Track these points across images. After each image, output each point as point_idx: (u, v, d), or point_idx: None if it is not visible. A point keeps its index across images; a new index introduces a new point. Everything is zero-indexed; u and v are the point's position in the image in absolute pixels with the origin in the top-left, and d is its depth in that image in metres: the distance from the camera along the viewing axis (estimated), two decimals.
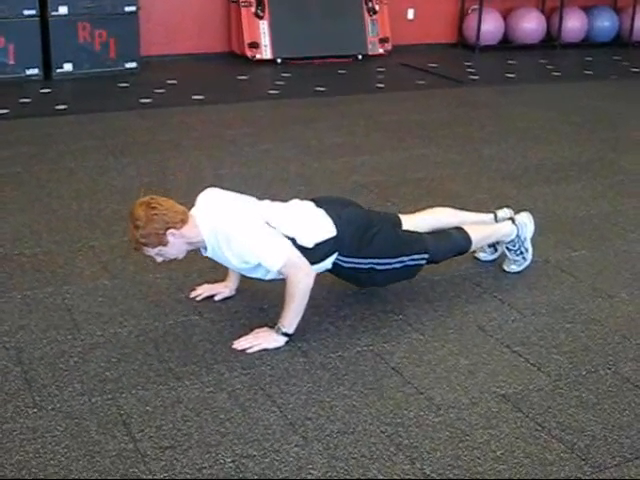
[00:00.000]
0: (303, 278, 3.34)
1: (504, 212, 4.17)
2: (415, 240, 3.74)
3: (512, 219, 4.07)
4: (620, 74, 9.79)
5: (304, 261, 3.37)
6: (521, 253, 4.06)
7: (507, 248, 4.07)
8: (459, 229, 3.91)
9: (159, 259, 3.45)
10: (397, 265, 3.65)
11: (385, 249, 3.63)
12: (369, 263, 3.59)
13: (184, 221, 3.35)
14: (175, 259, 3.51)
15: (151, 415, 2.90)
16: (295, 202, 3.68)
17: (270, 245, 3.32)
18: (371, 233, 3.61)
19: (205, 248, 3.45)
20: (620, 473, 2.67)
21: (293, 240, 3.41)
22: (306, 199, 3.71)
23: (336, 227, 3.52)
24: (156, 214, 3.29)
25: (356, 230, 3.58)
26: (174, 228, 3.32)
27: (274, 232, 3.38)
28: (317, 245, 3.46)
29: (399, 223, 3.85)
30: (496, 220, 4.13)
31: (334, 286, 3.90)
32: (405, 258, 3.67)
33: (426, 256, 3.73)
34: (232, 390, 3.06)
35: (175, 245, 3.37)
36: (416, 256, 3.70)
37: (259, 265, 3.38)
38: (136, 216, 3.30)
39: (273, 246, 3.32)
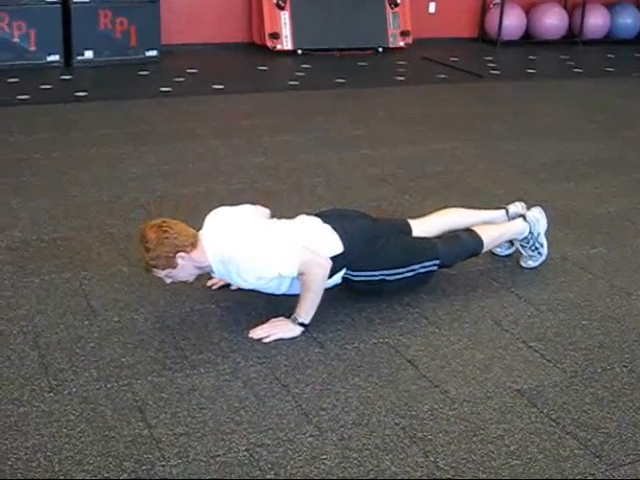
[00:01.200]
0: (319, 271, 3.35)
1: (516, 207, 4.15)
2: (425, 247, 3.74)
3: (523, 216, 4.06)
4: None
5: (316, 254, 3.37)
6: (536, 249, 4.05)
7: (521, 245, 4.06)
8: (470, 231, 3.90)
9: (168, 280, 3.46)
10: (408, 274, 3.65)
11: (394, 259, 3.62)
12: (380, 275, 3.60)
13: (194, 245, 3.36)
14: (185, 282, 3.52)
15: (166, 402, 2.91)
16: (302, 218, 3.66)
17: (281, 255, 3.32)
18: (379, 245, 3.61)
19: (213, 272, 3.47)
20: (634, 471, 2.67)
21: None
22: (318, 208, 3.69)
23: (343, 243, 3.52)
24: (167, 237, 3.31)
25: (364, 243, 3.57)
26: (184, 252, 3.33)
27: (278, 239, 3.39)
28: None
29: (408, 230, 3.85)
30: (508, 215, 4.11)
31: None
32: (416, 266, 3.66)
33: (437, 262, 3.72)
34: (247, 379, 3.07)
35: (184, 268, 3.38)
36: (427, 263, 3.69)
37: (271, 279, 3.38)
38: (147, 238, 3.32)
39: (284, 255, 3.32)
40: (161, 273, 3.39)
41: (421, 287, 3.81)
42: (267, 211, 3.74)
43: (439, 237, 3.85)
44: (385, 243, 3.63)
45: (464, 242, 3.86)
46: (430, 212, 4.08)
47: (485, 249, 3.93)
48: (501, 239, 4.04)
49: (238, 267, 3.32)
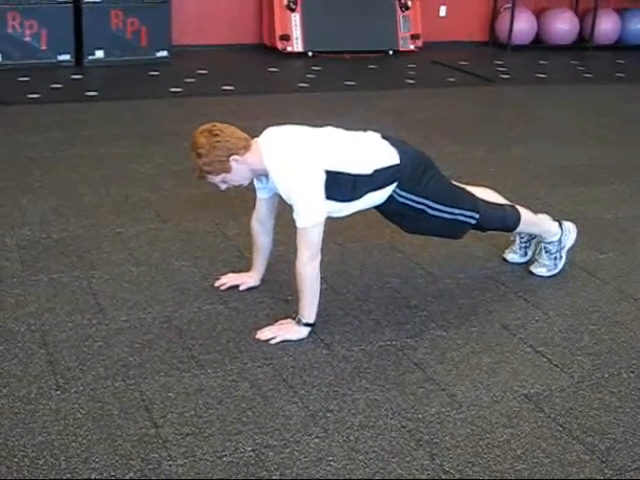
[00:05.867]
0: (308, 261, 3.30)
1: (544, 216, 4.12)
2: (469, 197, 3.73)
3: (559, 222, 4.05)
4: None
5: (318, 242, 3.33)
6: (555, 259, 4.03)
7: (545, 248, 4.03)
8: (511, 206, 3.89)
9: (223, 186, 3.45)
10: (447, 216, 3.62)
11: (441, 193, 3.61)
12: (422, 204, 3.56)
13: (247, 147, 3.35)
14: (240, 186, 3.51)
15: (173, 401, 2.91)
16: (359, 132, 3.65)
17: (311, 206, 3.29)
18: (431, 173, 3.60)
19: (267, 177, 3.43)
20: None
21: (353, 175, 3.39)
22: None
23: (399, 158, 3.50)
24: (219, 141, 3.29)
25: (418, 165, 3.56)
26: (237, 155, 3.32)
27: (322, 197, 3.33)
28: (377, 171, 3.43)
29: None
30: None
31: (359, 279, 3.91)
32: (457, 211, 3.64)
33: (476, 216, 3.70)
34: (254, 380, 3.07)
35: (238, 172, 3.37)
36: (467, 213, 3.67)
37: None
38: (199, 144, 3.30)
39: (313, 209, 3.29)
40: (216, 179, 3.39)
41: (430, 280, 3.82)
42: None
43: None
44: (435, 174, 3.63)
45: (504, 211, 3.85)
46: None
47: (519, 229, 3.93)
48: (534, 227, 4.00)
49: (280, 184, 3.35)
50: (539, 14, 11.04)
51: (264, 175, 3.44)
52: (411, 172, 3.52)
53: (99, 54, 8.58)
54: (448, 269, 4.06)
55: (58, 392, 2.93)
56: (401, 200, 3.55)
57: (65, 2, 8.32)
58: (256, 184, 3.58)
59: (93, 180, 5.11)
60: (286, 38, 9.58)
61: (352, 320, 3.55)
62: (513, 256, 4.17)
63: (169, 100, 7.36)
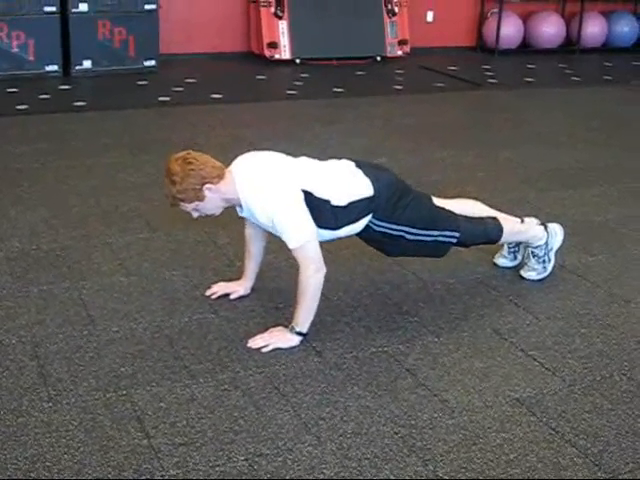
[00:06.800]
0: (313, 273, 3.32)
1: (530, 220, 4.13)
2: (448, 217, 3.72)
3: (545, 225, 4.06)
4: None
5: (319, 256, 3.35)
6: (544, 262, 4.03)
7: (532, 253, 4.04)
8: (493, 218, 3.89)
9: (195, 214, 3.46)
10: (427, 238, 3.63)
11: (418, 219, 3.60)
12: (400, 231, 3.57)
13: (221, 176, 3.35)
14: (212, 215, 3.51)
15: (165, 412, 2.91)
16: (334, 161, 3.63)
17: (297, 223, 3.29)
18: (406, 200, 3.59)
19: (241, 206, 3.43)
20: (634, 479, 2.66)
21: (328, 202, 3.39)
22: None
23: (373, 188, 3.49)
24: (193, 169, 3.29)
25: (393, 194, 3.55)
26: (211, 183, 3.32)
27: (306, 212, 3.33)
28: (352, 204, 3.43)
29: (432, 201, 3.83)
30: None
31: (350, 286, 3.91)
32: (436, 233, 3.64)
33: (457, 235, 3.70)
34: (246, 388, 3.07)
35: (212, 201, 3.37)
36: (447, 233, 3.68)
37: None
38: (172, 171, 3.30)
39: (299, 225, 3.29)
40: (188, 207, 3.39)
41: (421, 286, 3.83)
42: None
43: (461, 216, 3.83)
44: (412, 200, 3.61)
45: (486, 225, 3.85)
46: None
47: (503, 240, 3.94)
48: (519, 236, 4.01)
49: (256, 209, 3.34)
50: (526, 18, 11.06)
51: (238, 205, 3.45)
52: (386, 202, 3.52)
53: (87, 64, 8.56)
54: (439, 275, 4.06)
55: (50, 404, 2.92)
56: (378, 229, 3.57)
57: (52, 12, 8.30)
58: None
59: (82, 190, 5.10)
60: (274, 46, 9.58)
61: (343, 327, 3.55)
62: (503, 260, 4.18)
63: (157, 109, 7.36)
